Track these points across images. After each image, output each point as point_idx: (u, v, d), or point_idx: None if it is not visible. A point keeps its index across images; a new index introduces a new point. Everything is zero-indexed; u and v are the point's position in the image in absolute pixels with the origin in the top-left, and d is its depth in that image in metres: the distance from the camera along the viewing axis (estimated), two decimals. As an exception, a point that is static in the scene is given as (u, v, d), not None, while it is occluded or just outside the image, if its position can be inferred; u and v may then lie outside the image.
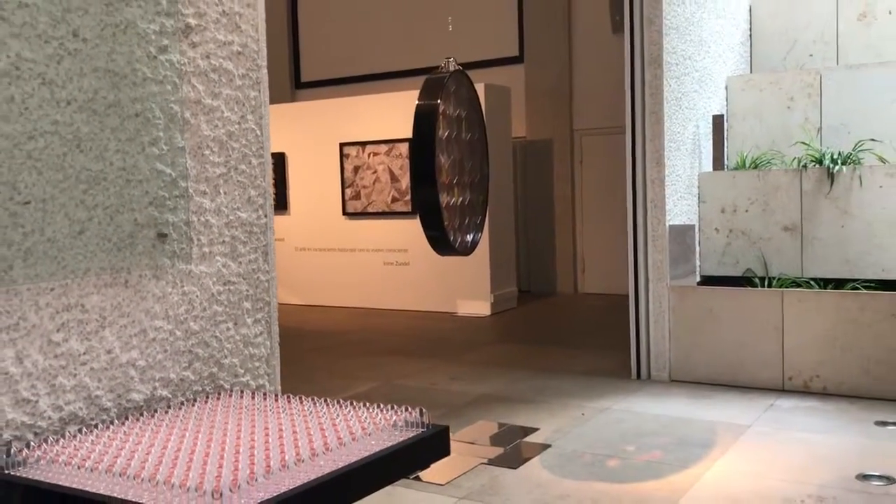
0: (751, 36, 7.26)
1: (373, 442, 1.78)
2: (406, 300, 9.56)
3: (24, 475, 1.69)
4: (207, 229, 2.30)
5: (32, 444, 1.78)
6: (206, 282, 2.29)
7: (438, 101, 4.28)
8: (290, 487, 1.53)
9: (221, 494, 1.43)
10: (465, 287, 9.17)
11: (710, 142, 6.40)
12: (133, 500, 1.50)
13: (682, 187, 5.96)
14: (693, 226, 5.88)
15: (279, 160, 10.23)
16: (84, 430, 1.90)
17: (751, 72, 7.20)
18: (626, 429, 4.66)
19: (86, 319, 1.98)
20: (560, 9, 10.55)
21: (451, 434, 4.73)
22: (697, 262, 6.18)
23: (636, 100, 5.68)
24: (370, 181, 9.71)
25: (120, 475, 1.58)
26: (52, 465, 1.70)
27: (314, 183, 10.12)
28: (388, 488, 3.81)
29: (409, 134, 9.16)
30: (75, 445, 1.77)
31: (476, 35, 11.02)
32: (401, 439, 1.81)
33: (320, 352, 7.37)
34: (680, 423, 4.73)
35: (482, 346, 7.51)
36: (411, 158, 4.45)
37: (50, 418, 1.90)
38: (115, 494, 1.53)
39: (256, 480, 1.52)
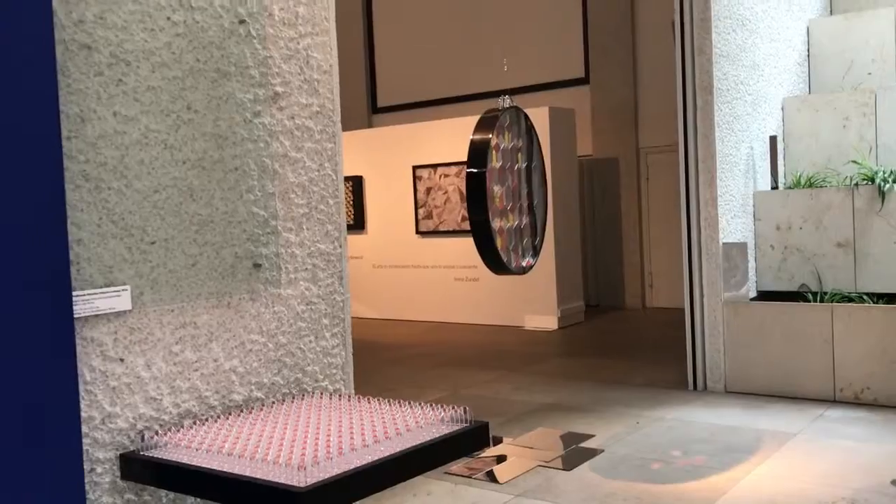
0: (809, 57, 7.45)
1: (424, 433, 2.21)
2: (476, 315, 9.98)
3: (154, 455, 2.18)
4: (293, 259, 2.78)
5: (159, 432, 2.28)
6: (292, 302, 2.77)
7: (490, 136, 4.70)
8: (358, 465, 1.97)
9: (305, 468, 1.88)
10: (532, 302, 9.53)
11: (766, 161, 6.64)
12: (237, 472, 1.97)
13: (736, 206, 6.22)
14: (745, 243, 6.12)
15: (357, 183, 10.83)
16: (196, 422, 2.39)
17: (809, 92, 7.38)
18: (677, 436, 4.96)
19: (197, 334, 2.47)
20: (624, 30, 10.85)
21: (511, 440, 5.16)
22: (754, 278, 6.42)
23: (688, 124, 5.99)
24: (441, 201, 10.19)
25: (227, 454, 2.05)
26: (175, 448, 2.18)
27: (389, 203, 10.67)
28: (451, 485, 4.25)
29: (478, 156, 9.57)
30: (191, 434, 2.26)
31: (543, 58, 11.42)
32: (447, 431, 2.24)
33: (395, 363, 7.85)
34: (728, 432, 5.00)
35: (547, 359, 7.86)
36: (466, 189, 4.88)
37: (171, 413, 2.40)
38: (223, 468, 2.00)
39: (331, 459, 1.97)
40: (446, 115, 11.42)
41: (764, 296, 6.34)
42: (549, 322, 9.45)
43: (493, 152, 4.71)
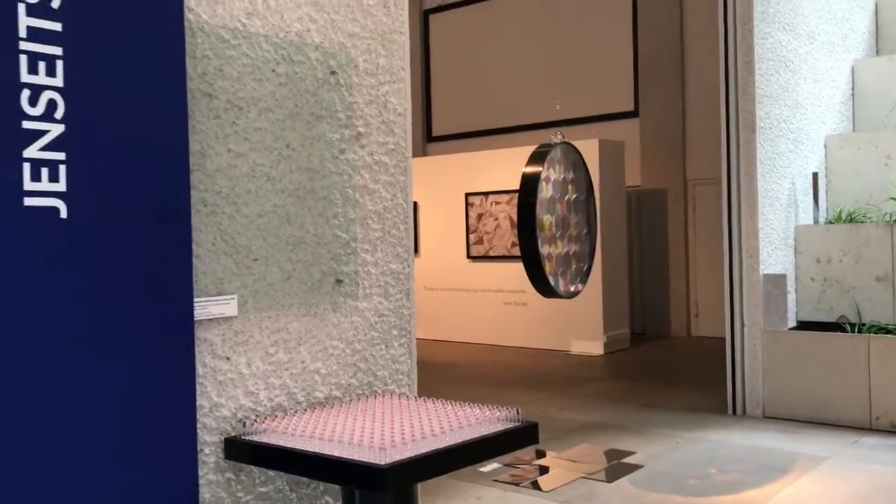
0: (853, 96, 7.69)
1: (482, 428, 2.57)
2: (523, 338, 10.31)
3: (253, 440, 2.59)
4: (368, 277, 3.19)
5: (256, 421, 2.68)
6: (367, 314, 3.17)
7: (541, 168, 5.09)
8: (427, 450, 2.34)
9: (385, 449, 2.26)
10: (579, 327, 9.83)
11: (808, 197, 6.89)
12: (326, 452, 2.36)
13: (777, 239, 6.48)
14: (785, 275, 6.37)
15: (412, 209, 11.28)
16: (286, 414, 2.79)
17: (853, 130, 7.62)
18: (714, 455, 5.23)
19: (289, 339, 2.88)
20: (674, 64, 11.17)
21: (556, 454, 5.51)
22: (794, 309, 6.65)
23: (731, 161, 6.29)
24: (492, 227, 10.58)
25: (317, 439, 2.44)
26: (270, 434, 2.58)
27: (442, 229, 11.10)
28: (499, 492, 4.60)
29: (528, 185, 9.94)
30: (284, 423, 2.65)
31: (594, 92, 11.79)
32: (501, 428, 2.60)
33: (445, 381, 8.22)
34: (764, 453, 5.25)
35: (592, 382, 8.14)
36: (517, 217, 5.26)
37: (265, 405, 2.81)
38: (314, 450, 2.39)
39: (405, 444, 2.34)
40: (498, 145, 11.85)
41: (803, 326, 6.57)
42: (595, 347, 9.73)
43: (544, 184, 5.09)
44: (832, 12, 7.39)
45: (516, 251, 10.37)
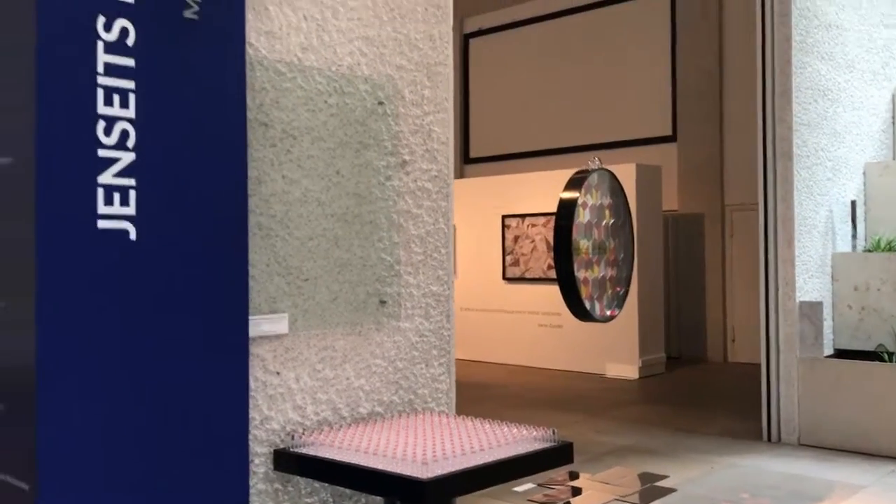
0: (893, 123, 7.68)
1: (519, 446, 2.68)
2: (558, 360, 10.36)
3: (301, 452, 2.72)
4: (410, 298, 3.32)
5: (304, 434, 2.82)
6: (409, 334, 3.30)
7: (578, 194, 5.20)
8: (467, 465, 2.45)
9: (427, 463, 2.38)
10: (614, 350, 9.86)
11: (846, 224, 6.89)
12: (371, 465, 2.48)
13: (813, 266, 6.49)
14: (821, 303, 6.38)
15: (453, 233, 11.43)
16: (332, 428, 2.92)
17: (893, 158, 7.61)
18: (747, 481, 5.25)
19: (335, 356, 3.02)
20: (712, 90, 11.22)
21: (589, 476, 5.57)
22: (831, 336, 6.64)
23: (768, 188, 6.33)
24: (528, 249, 10.68)
25: (362, 452, 2.57)
26: (317, 447, 2.71)
27: (479, 250, 11.22)
28: (533, 510, 4.63)
29: (565, 208, 10.04)
30: (330, 436, 2.78)
31: (632, 116, 11.87)
32: (537, 447, 2.70)
33: (481, 402, 8.30)
34: (798, 480, 5.26)
35: (627, 406, 8.17)
36: (554, 241, 5.37)
37: (312, 420, 2.94)
38: (360, 462, 2.52)
39: (447, 459, 2.46)
40: (535, 167, 11.97)
41: (840, 354, 6.55)
42: (631, 371, 9.74)
43: (581, 209, 5.19)
44: (872, 41, 7.41)
45: (552, 273, 10.46)
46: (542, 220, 10.48)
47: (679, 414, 7.63)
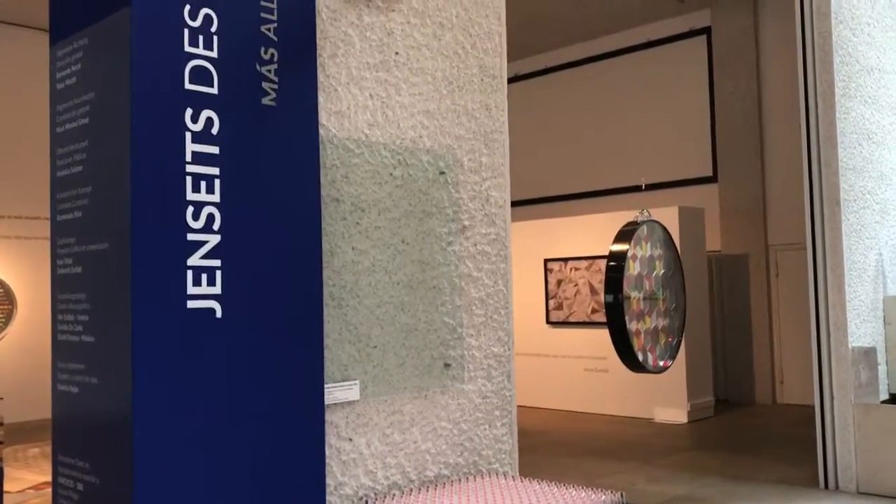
0: (940, 163, 7.64)
1: (589, 510, 2.73)
2: (605, 405, 10.31)
3: (374, 516, 2.80)
4: (473, 360, 3.40)
5: (376, 499, 2.89)
6: (472, 396, 3.38)
7: (627, 247, 5.26)
8: (540, 532, 2.51)
9: (502, 531, 2.44)
10: (662, 394, 9.79)
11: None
12: (447, 532, 2.55)
13: (865, 311, 6.45)
14: (875, 348, 6.32)
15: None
16: (402, 493, 2.99)
17: (941, 197, 7.55)
18: (808, 533, 5.19)
19: (403, 420, 3.11)
20: (752, 130, 11.24)
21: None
22: (885, 381, 6.56)
23: (816, 233, 6.33)
24: (572, 293, 10.70)
25: (436, 518, 2.64)
26: (390, 512, 2.79)
27: (522, 294, 11.24)
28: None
29: (606, 251, 10.11)
30: (401, 502, 2.86)
31: (672, 157, 11.92)
32: (607, 510, 2.75)
33: (528, 450, 8.28)
34: (860, 532, 5.19)
35: (678, 452, 8.10)
36: (605, 295, 5.42)
37: (382, 484, 3.02)
38: (435, 529, 2.59)
39: (520, 526, 2.52)
40: (575, 210, 12.05)
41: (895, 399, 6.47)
42: (679, 415, 9.66)
43: (631, 261, 5.25)
44: (915, 82, 7.42)
45: (597, 317, 10.49)
46: (585, 263, 10.52)
47: (732, 460, 7.55)
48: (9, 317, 11.14)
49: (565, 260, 10.78)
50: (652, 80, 12.28)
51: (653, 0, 11.28)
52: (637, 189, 11.77)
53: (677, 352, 5.73)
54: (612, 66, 12.73)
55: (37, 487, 6.76)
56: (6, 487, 6.54)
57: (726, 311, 11.35)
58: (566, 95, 13.24)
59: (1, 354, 10.84)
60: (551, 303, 10.90)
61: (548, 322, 10.92)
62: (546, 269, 10.98)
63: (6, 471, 6.96)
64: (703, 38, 11.87)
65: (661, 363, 5.52)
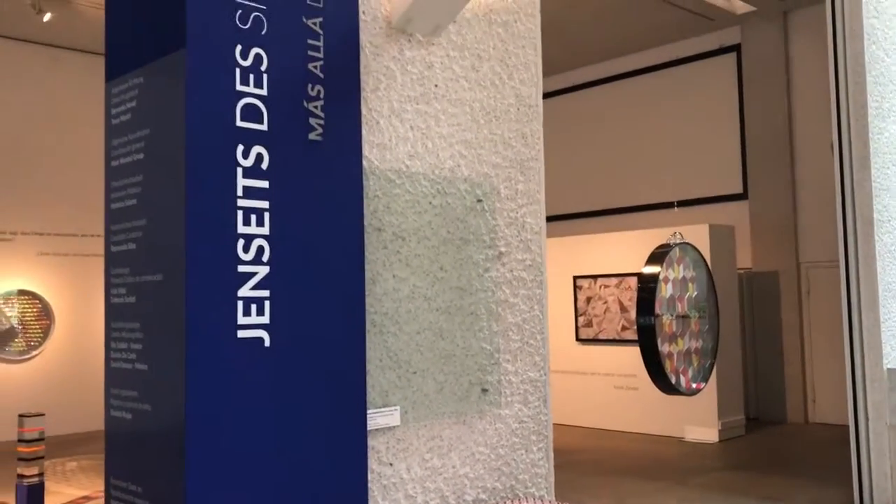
0: (975, 182, 7.58)
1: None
2: (635, 423, 10.28)
3: (414, 540, 2.85)
4: (510, 385, 3.45)
5: (415, 521, 2.95)
6: (509, 421, 3.43)
7: (659, 269, 5.29)
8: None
9: (542, 558, 2.48)
10: (692, 413, 9.75)
11: (932, 287, 6.79)
12: (487, 558, 2.60)
13: (900, 332, 6.41)
14: (911, 370, 6.27)
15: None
16: (441, 515, 3.05)
17: (976, 216, 7.48)
18: (844, 558, 5.15)
19: (442, 445, 3.16)
20: (782, 146, 11.20)
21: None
22: (921, 403, 6.50)
23: (849, 253, 6.31)
24: (601, 311, 10.70)
25: (477, 543, 2.69)
26: (430, 536, 2.84)
27: (551, 311, 11.24)
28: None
29: (636, 269, 10.08)
30: (441, 525, 2.91)
31: (701, 173, 11.90)
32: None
33: (562, 469, 8.25)
34: (897, 557, 5.14)
35: (709, 472, 8.06)
36: (636, 316, 5.45)
37: (421, 507, 3.08)
38: (476, 554, 2.64)
39: (560, 552, 2.56)
40: (606, 226, 12.05)
41: (933, 421, 6.40)
42: (710, 434, 9.61)
43: (663, 284, 5.28)
44: (949, 101, 7.37)
45: (626, 335, 10.47)
46: (614, 280, 10.52)
47: (764, 481, 7.50)
48: (46, 332, 11.35)
49: (594, 277, 10.79)
50: (682, 97, 12.28)
51: (683, 18, 11.30)
52: (667, 206, 11.76)
53: (710, 373, 5.73)
54: (641, 83, 12.75)
55: (75, 502, 6.90)
56: (46, 502, 6.67)
57: (757, 328, 11.28)
58: (596, 112, 13.28)
59: (40, 369, 11.06)
60: (580, 320, 10.90)
61: (577, 339, 10.92)
62: (575, 286, 10.99)
63: (46, 485, 7.10)
64: (733, 55, 11.86)
65: (695, 385, 5.53)
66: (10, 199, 10.99)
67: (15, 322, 10.59)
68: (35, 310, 11.35)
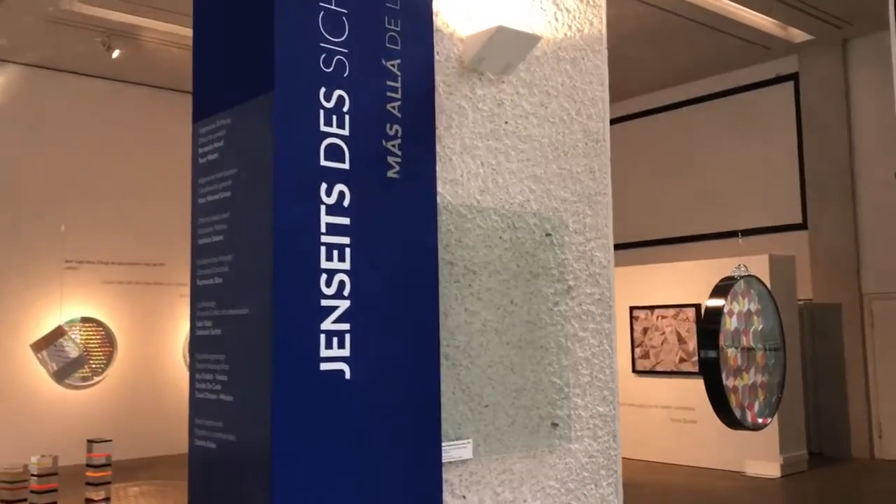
0: None
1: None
2: (693, 457, 10.11)
3: (488, 574, 2.86)
4: (579, 419, 3.45)
5: (488, 555, 2.96)
6: (578, 455, 3.43)
7: (723, 302, 5.24)
8: None
9: None
10: (753, 447, 9.55)
11: None
12: None
13: (974, 367, 6.22)
14: None
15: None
16: (513, 549, 3.05)
17: None
18: None
19: (513, 479, 3.18)
20: (843, 177, 11.02)
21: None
22: None
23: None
24: (658, 342, 10.59)
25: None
26: (503, 570, 2.85)
27: (606, 342, 11.20)
28: None
29: (694, 300, 9.97)
30: (514, 559, 2.92)
31: (759, 203, 11.76)
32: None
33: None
34: None
35: (772, 508, 7.89)
36: (699, 350, 5.39)
37: (493, 540, 3.09)
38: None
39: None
40: (661, 255, 11.96)
41: None
42: (772, 469, 9.40)
43: (727, 317, 5.22)
44: None
45: (685, 367, 10.33)
46: (672, 311, 10.42)
47: (831, 519, 7.31)
48: (109, 358, 11.64)
49: (651, 308, 10.70)
50: (738, 126, 12.18)
51: (737, 47, 11.25)
52: (724, 235, 11.63)
53: (777, 408, 5.63)
54: (697, 112, 12.70)
55: (141, 527, 7.04)
56: (112, 526, 6.81)
57: (818, 360, 11.02)
58: (653, 140, 13.23)
59: (103, 396, 11.34)
60: (637, 351, 10.80)
61: (634, 371, 10.81)
62: (631, 317, 10.91)
63: (111, 509, 7.25)
64: (791, 83, 11.75)
65: (761, 420, 5.43)
66: (77, 230, 11.37)
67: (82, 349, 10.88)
68: (98, 337, 11.66)
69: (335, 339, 2.58)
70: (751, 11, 10.25)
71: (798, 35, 11.01)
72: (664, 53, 11.51)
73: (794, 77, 11.67)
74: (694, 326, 9.93)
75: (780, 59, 11.64)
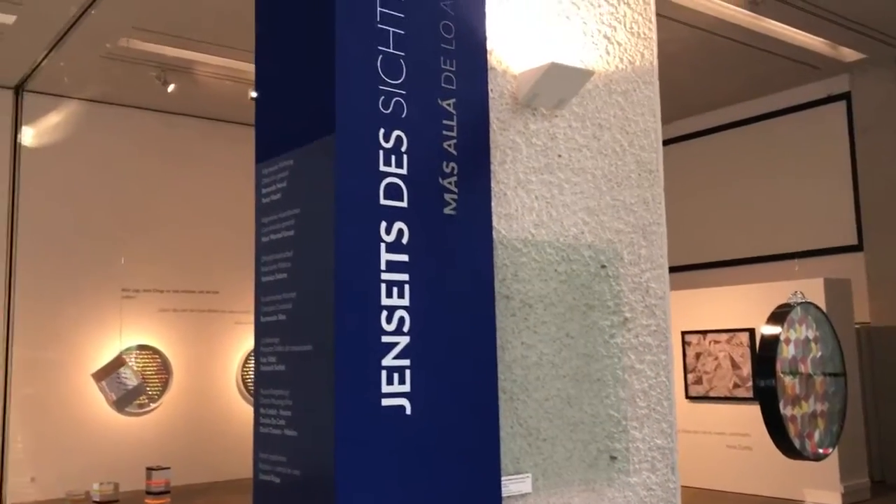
0: None
1: None
2: (749, 484, 9.90)
3: None
4: (637, 452, 3.44)
5: (548, 590, 2.95)
6: (637, 489, 3.41)
7: (780, 329, 5.16)
8: None
9: None
10: (811, 475, 9.31)
11: None
12: None
13: None
14: None
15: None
16: (573, 584, 3.04)
17: None
18: None
19: (572, 512, 3.17)
20: (901, 198, 10.78)
21: None
22: None
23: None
24: (712, 367, 10.43)
25: None
26: None
27: (657, 367, 11.06)
28: None
29: (747, 324, 9.80)
30: None
31: (812, 225, 11.55)
32: None
33: (672, 531, 8.05)
34: None
35: (834, 539, 7.67)
36: (755, 379, 5.31)
37: (553, 574, 3.08)
38: None
39: None
40: (711, 278, 11.80)
41: None
42: (832, 498, 9.15)
43: (784, 345, 5.14)
44: None
45: (739, 392, 10.14)
46: (725, 336, 10.26)
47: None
48: (165, 386, 11.86)
49: (704, 332, 10.55)
50: (789, 146, 12.02)
51: (787, 67, 11.13)
52: (777, 258, 11.45)
53: (839, 438, 5.50)
54: (749, 133, 12.57)
55: (198, 554, 7.14)
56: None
57: (878, 385, 10.73)
58: (703, 162, 13.11)
59: (159, 422, 11.55)
60: (690, 377, 10.64)
61: (687, 397, 10.65)
62: (684, 342, 10.76)
63: (169, 536, 7.37)
64: (843, 103, 11.57)
65: (822, 450, 5.32)
66: (134, 259, 11.65)
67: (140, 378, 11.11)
68: (155, 364, 11.89)
69: (396, 375, 2.62)
70: (800, 32, 10.15)
71: (849, 54, 10.85)
72: (709, 76, 11.43)
73: (846, 96, 11.49)
74: (748, 351, 9.77)
75: (830, 78, 11.47)
